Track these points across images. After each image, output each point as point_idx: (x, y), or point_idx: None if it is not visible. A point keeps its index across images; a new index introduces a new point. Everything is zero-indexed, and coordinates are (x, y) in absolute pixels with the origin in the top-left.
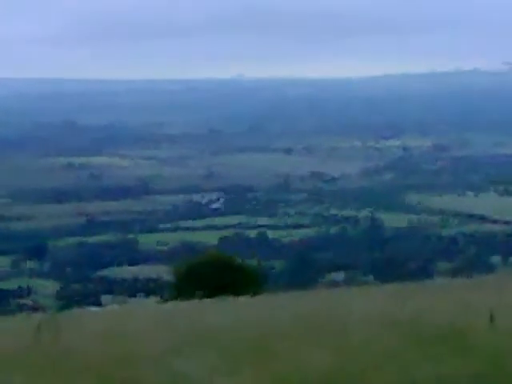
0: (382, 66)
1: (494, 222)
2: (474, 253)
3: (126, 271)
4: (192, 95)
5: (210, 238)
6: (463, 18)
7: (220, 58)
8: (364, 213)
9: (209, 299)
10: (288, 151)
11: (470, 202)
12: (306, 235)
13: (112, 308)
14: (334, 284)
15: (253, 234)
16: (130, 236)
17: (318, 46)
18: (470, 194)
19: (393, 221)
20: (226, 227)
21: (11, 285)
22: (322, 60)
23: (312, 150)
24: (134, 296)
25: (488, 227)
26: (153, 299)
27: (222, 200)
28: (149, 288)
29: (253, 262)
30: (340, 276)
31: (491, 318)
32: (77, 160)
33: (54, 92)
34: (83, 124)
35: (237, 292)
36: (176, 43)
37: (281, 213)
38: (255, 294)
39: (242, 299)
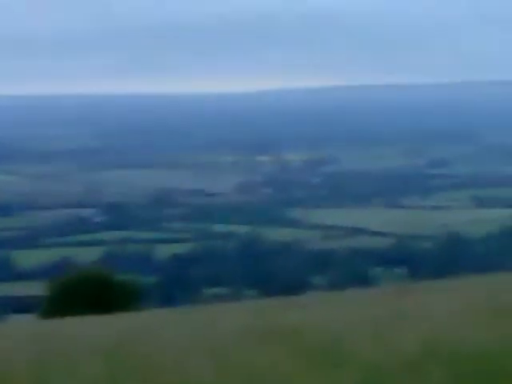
0: (259, 81)
1: (375, 234)
2: (356, 265)
3: (1, 289)
4: (78, 110)
5: (92, 254)
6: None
7: (114, 73)
8: (244, 228)
9: (82, 316)
10: (172, 166)
11: (353, 215)
12: (186, 250)
13: None
14: (215, 298)
15: (135, 249)
16: (7, 252)
17: (200, 60)
18: (353, 206)
19: (273, 235)
20: (108, 242)
21: None
22: (204, 75)
23: (191, 165)
24: (8, 313)
25: (369, 240)
26: (28, 317)
27: (103, 215)
28: (25, 305)
29: (133, 278)
30: (222, 291)
31: (373, 330)
32: None
33: None
34: None
35: (114, 308)
36: (62, 58)
37: (162, 228)
38: (133, 309)
39: (118, 316)
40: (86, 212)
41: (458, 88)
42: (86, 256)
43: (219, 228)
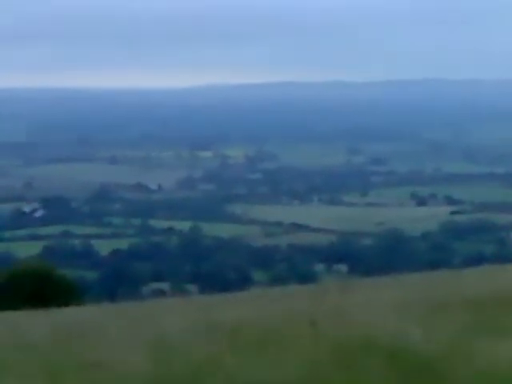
0: (205, 77)
1: (318, 230)
2: (297, 261)
3: None
4: (12, 104)
5: (32, 248)
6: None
7: (55, 67)
8: (186, 223)
9: (22, 311)
10: (111, 161)
11: (294, 212)
12: (128, 245)
13: None
14: (156, 294)
15: (76, 243)
16: None
17: (140, 56)
18: (294, 203)
19: (215, 231)
20: (49, 237)
21: None
22: (142, 70)
23: (133, 160)
24: None
25: (311, 236)
26: None
27: (43, 210)
28: None
29: (73, 273)
30: (163, 286)
31: (312, 326)
32: None
33: None
34: None
35: (54, 303)
36: None
37: (103, 223)
38: (74, 304)
39: (57, 311)
40: (25, 206)
41: (396, 86)
42: (26, 250)
43: (160, 223)
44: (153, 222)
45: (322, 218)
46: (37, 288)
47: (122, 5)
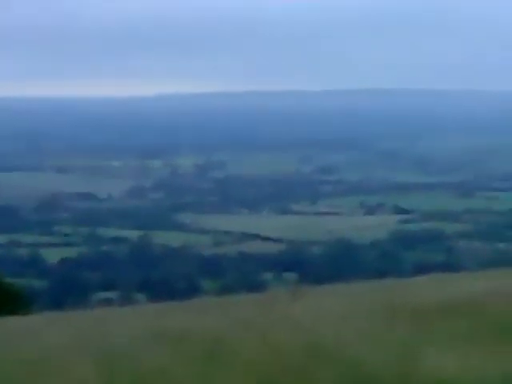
0: (156, 86)
1: (267, 239)
2: (246, 270)
3: None
4: None
5: None
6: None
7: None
8: (135, 232)
9: None
10: (61, 170)
11: (243, 221)
12: (76, 254)
13: None
14: (105, 303)
15: (24, 252)
16: None
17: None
18: (243, 212)
19: (164, 240)
20: None
21: None
22: (89, 79)
23: (83, 169)
24: None
25: (259, 245)
26: None
27: None
28: None
29: (21, 281)
30: (111, 295)
31: (262, 334)
32: None
33: None
34: None
35: (1, 312)
36: None
37: (51, 231)
38: (21, 313)
39: (2, 319)
40: None
41: (348, 95)
42: None
43: (109, 232)
44: (102, 231)
45: (272, 227)
46: None
47: (72, 14)
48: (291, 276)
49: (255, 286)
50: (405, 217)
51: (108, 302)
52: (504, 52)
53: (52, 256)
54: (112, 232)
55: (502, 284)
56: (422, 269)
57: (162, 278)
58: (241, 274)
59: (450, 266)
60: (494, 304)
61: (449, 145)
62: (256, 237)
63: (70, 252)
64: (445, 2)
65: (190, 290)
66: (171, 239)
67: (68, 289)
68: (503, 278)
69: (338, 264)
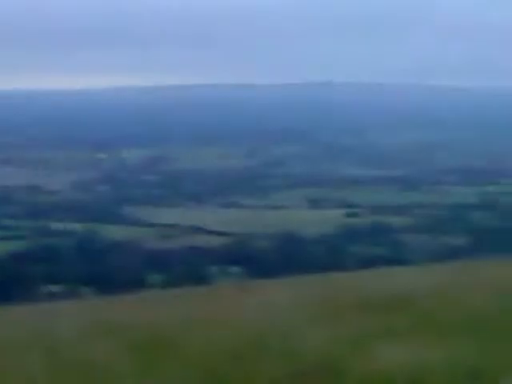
0: (93, 79)
1: (214, 233)
2: (193, 264)
3: None
4: None
5: None
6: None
7: None
8: (80, 225)
9: None
10: (5, 162)
11: (190, 214)
12: (21, 248)
13: None
14: (51, 296)
15: None
16: None
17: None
18: (191, 205)
19: (110, 233)
20: None
21: None
22: (34, 71)
23: (29, 161)
24: None
25: (206, 239)
26: None
27: None
28: None
29: None
30: (57, 288)
31: (206, 327)
32: None
33: None
34: None
35: None
36: None
37: None
38: None
39: None
40: None
41: (296, 89)
42: None
43: (55, 225)
44: (47, 224)
45: (219, 221)
46: None
47: (29, 7)
48: (237, 270)
49: (201, 280)
50: (351, 210)
51: (53, 296)
52: (450, 47)
53: None
54: (58, 225)
55: (445, 278)
56: (368, 262)
57: (108, 271)
58: (187, 267)
59: (396, 259)
60: (437, 298)
61: (396, 139)
62: (202, 230)
63: (15, 246)
64: None
65: (136, 284)
66: (117, 232)
67: (14, 282)
68: (447, 272)
69: (284, 258)
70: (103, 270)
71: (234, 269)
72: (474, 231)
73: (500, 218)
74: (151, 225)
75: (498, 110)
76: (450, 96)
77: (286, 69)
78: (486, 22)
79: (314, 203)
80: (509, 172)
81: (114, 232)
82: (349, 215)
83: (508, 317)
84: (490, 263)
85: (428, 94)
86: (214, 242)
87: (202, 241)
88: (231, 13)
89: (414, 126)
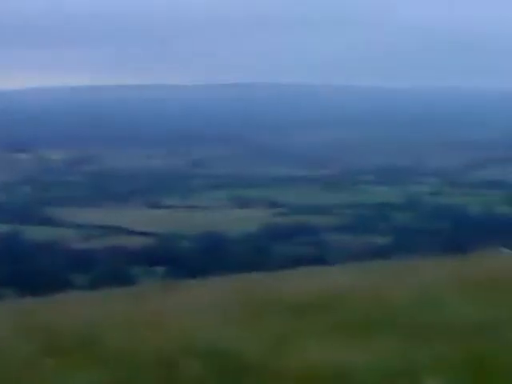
0: (15, 79)
1: (138, 233)
2: (116, 265)
3: None
4: None
5: None
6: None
7: None
8: (2, 226)
9: None
10: None
11: (114, 215)
12: None
13: None
14: None
15: None
16: None
17: None
18: (114, 206)
19: (33, 234)
20: None
21: None
22: None
23: None
24: None
25: (129, 239)
26: None
27: None
28: None
29: None
30: None
31: (132, 327)
32: None
33: None
34: None
35: None
36: None
37: None
38: None
39: None
40: None
41: (220, 90)
42: None
43: None
44: None
45: (143, 221)
46: None
47: None
48: (161, 270)
49: (125, 281)
50: (276, 210)
51: None
52: (373, 48)
53: None
54: None
55: (367, 277)
56: (291, 262)
57: (31, 272)
58: (110, 268)
59: (319, 258)
60: (359, 298)
61: (319, 139)
62: (125, 231)
63: None
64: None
65: (60, 285)
66: (40, 233)
67: None
68: (369, 272)
69: (208, 258)
70: (26, 271)
71: (158, 269)
72: (396, 231)
73: (422, 218)
74: (74, 225)
75: (422, 109)
76: (374, 96)
77: (207, 70)
78: (402, 20)
79: (239, 203)
80: (430, 170)
81: (37, 233)
82: (273, 215)
83: (428, 315)
84: (411, 262)
85: (352, 94)
86: (138, 242)
87: (125, 241)
88: (152, 13)
89: (336, 126)
